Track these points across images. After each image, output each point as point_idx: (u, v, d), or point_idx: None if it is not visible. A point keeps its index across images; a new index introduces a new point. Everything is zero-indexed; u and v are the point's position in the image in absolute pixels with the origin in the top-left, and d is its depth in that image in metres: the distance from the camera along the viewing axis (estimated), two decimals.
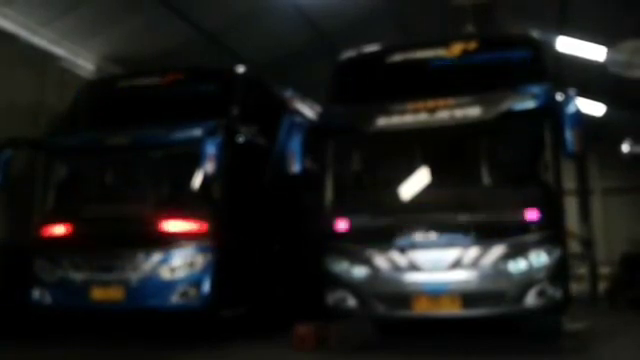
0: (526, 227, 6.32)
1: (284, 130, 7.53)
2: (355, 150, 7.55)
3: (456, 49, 7.26)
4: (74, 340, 7.94)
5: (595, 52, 13.62)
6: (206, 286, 7.02)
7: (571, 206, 8.12)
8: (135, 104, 8.25)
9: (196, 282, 7.03)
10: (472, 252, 6.28)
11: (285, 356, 6.96)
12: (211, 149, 6.93)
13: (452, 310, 6.30)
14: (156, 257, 7.09)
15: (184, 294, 7.01)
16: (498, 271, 6.22)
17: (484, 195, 6.80)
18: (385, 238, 6.57)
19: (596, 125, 17.39)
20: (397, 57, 7.47)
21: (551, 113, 6.46)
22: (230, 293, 7.26)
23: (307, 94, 10.56)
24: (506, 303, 6.21)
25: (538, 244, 6.23)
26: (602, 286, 14.61)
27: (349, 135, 7.14)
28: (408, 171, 7.02)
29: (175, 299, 7.00)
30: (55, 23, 10.49)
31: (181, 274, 7.05)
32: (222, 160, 7.02)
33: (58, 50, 10.85)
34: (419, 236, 6.46)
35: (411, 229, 6.50)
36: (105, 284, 7.15)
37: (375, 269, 6.53)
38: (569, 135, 6.27)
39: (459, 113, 6.58)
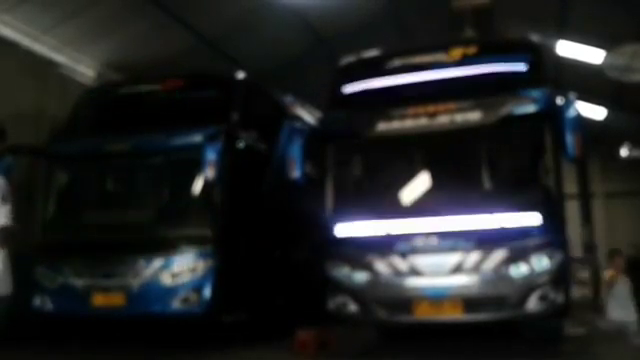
0: (527, 231, 6.29)
1: (284, 136, 7.55)
2: (355, 155, 7.53)
3: (456, 53, 7.25)
4: (75, 345, 7.94)
5: (595, 56, 13.62)
6: (207, 292, 7.01)
7: (573, 210, 8.11)
8: (135, 111, 8.27)
9: (197, 288, 7.03)
10: (473, 257, 6.25)
11: None
12: (211, 155, 6.94)
13: (454, 315, 6.27)
14: (157, 263, 7.09)
15: (185, 300, 7.00)
16: (499, 276, 6.19)
17: (485, 199, 6.77)
18: (386, 243, 6.55)
19: (597, 129, 17.38)
20: (397, 62, 7.47)
21: (551, 117, 6.45)
22: (231, 298, 7.26)
23: (307, 100, 10.57)
24: (508, 308, 6.18)
25: (539, 248, 6.20)
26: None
27: (349, 140, 7.14)
28: (409, 176, 7.02)
29: (176, 305, 6.99)
30: (56, 30, 10.53)
31: (182, 280, 7.04)
32: (222, 166, 7.03)
33: (59, 57, 10.88)
34: (420, 241, 6.44)
35: (412, 234, 6.49)
36: (106, 290, 7.15)
37: (376, 274, 6.50)
38: (569, 139, 6.27)
39: (459, 117, 6.58)
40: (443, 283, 6.30)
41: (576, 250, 10.16)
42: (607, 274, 7.41)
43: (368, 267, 6.54)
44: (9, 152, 7.59)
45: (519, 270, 6.16)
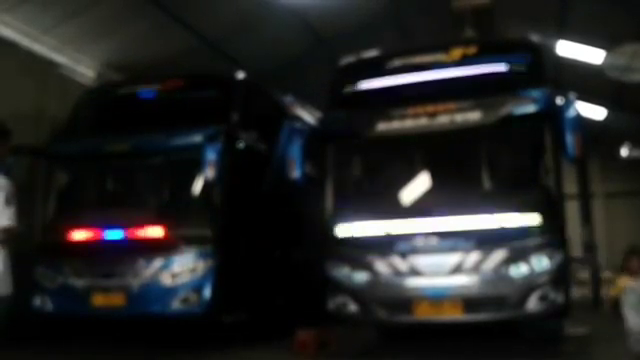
0: (527, 231, 6.29)
1: (284, 136, 7.55)
2: (355, 155, 7.55)
3: (456, 54, 7.25)
4: (75, 345, 7.94)
5: (595, 56, 13.62)
6: (207, 292, 7.01)
7: (573, 210, 8.10)
8: (135, 111, 8.27)
9: (197, 288, 7.02)
10: (473, 257, 6.26)
11: None
12: (211, 155, 6.94)
13: (453, 315, 6.27)
14: (157, 263, 7.08)
15: (185, 300, 7.00)
16: (499, 276, 6.19)
17: (485, 199, 6.77)
18: (386, 243, 6.55)
19: (597, 129, 17.39)
20: (397, 62, 7.47)
21: (551, 117, 6.45)
22: (231, 298, 7.26)
23: (307, 100, 10.57)
24: (508, 308, 6.18)
25: (539, 248, 6.20)
26: (604, 290, 14.57)
27: (349, 140, 7.14)
28: (409, 176, 7.02)
29: (176, 305, 6.99)
30: (56, 30, 10.52)
31: (182, 280, 7.04)
32: (222, 166, 7.03)
33: (59, 57, 10.87)
34: (420, 241, 6.43)
35: (412, 234, 6.49)
36: (106, 290, 7.14)
37: (376, 274, 6.50)
38: (569, 139, 6.27)
39: (459, 117, 6.58)
40: (443, 283, 6.30)
41: (576, 250, 10.14)
42: (620, 282, 6.27)
43: (368, 267, 6.54)
44: (10, 152, 7.60)
45: (519, 270, 6.16)
